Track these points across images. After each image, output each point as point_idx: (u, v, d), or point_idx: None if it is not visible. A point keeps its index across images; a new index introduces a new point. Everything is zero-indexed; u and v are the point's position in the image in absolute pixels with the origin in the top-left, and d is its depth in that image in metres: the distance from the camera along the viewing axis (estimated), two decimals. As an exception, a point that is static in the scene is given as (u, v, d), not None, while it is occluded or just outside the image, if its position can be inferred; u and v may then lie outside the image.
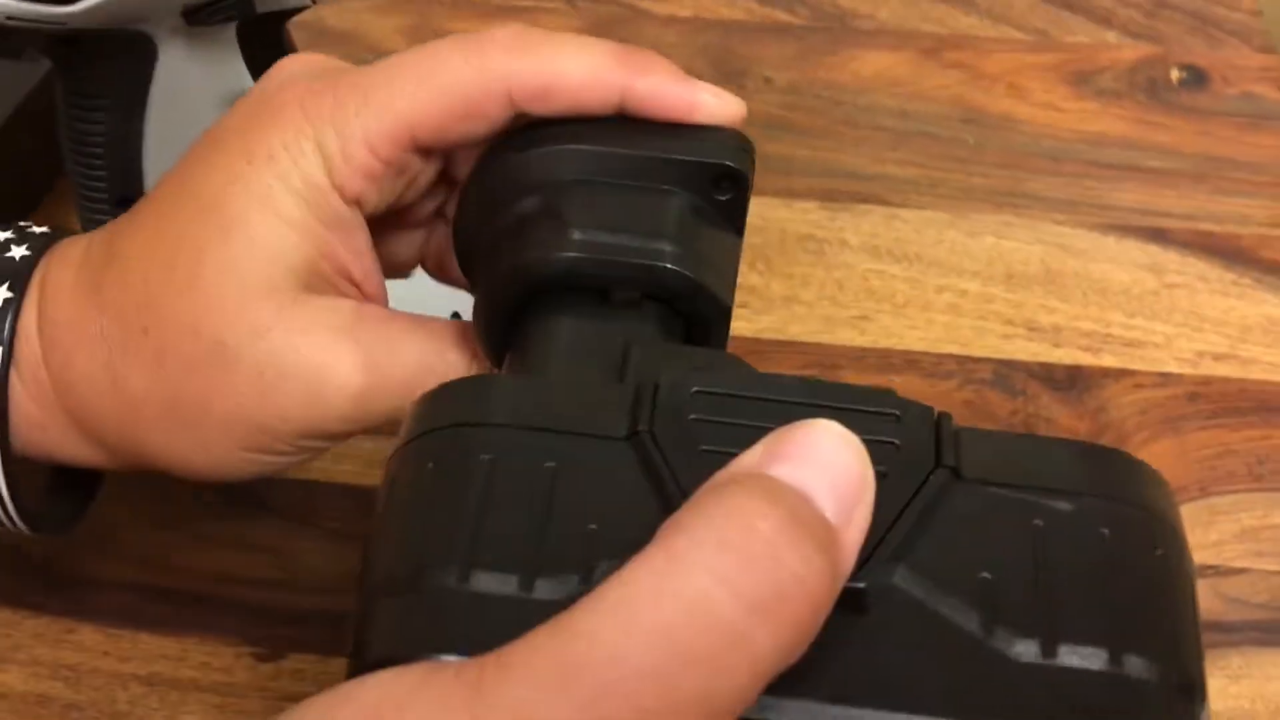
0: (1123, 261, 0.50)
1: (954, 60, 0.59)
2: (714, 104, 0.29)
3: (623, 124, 0.29)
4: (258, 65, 0.38)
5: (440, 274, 0.34)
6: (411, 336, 0.29)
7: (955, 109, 0.56)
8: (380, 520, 0.22)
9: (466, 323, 0.30)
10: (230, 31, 0.37)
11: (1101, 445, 0.23)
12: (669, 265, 0.27)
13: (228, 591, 0.40)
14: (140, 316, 0.28)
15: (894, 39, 0.60)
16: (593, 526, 0.20)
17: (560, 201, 0.28)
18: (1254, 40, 0.60)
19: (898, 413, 0.22)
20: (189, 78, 0.37)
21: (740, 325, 0.47)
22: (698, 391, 0.22)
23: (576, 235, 0.27)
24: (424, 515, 0.21)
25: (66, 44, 0.35)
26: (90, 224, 0.40)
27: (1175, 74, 0.58)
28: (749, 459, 0.19)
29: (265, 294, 0.28)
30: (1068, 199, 0.52)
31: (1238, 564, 0.41)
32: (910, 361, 0.47)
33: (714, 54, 0.59)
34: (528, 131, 0.29)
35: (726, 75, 0.58)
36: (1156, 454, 0.44)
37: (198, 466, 0.30)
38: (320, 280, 0.29)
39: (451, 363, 0.29)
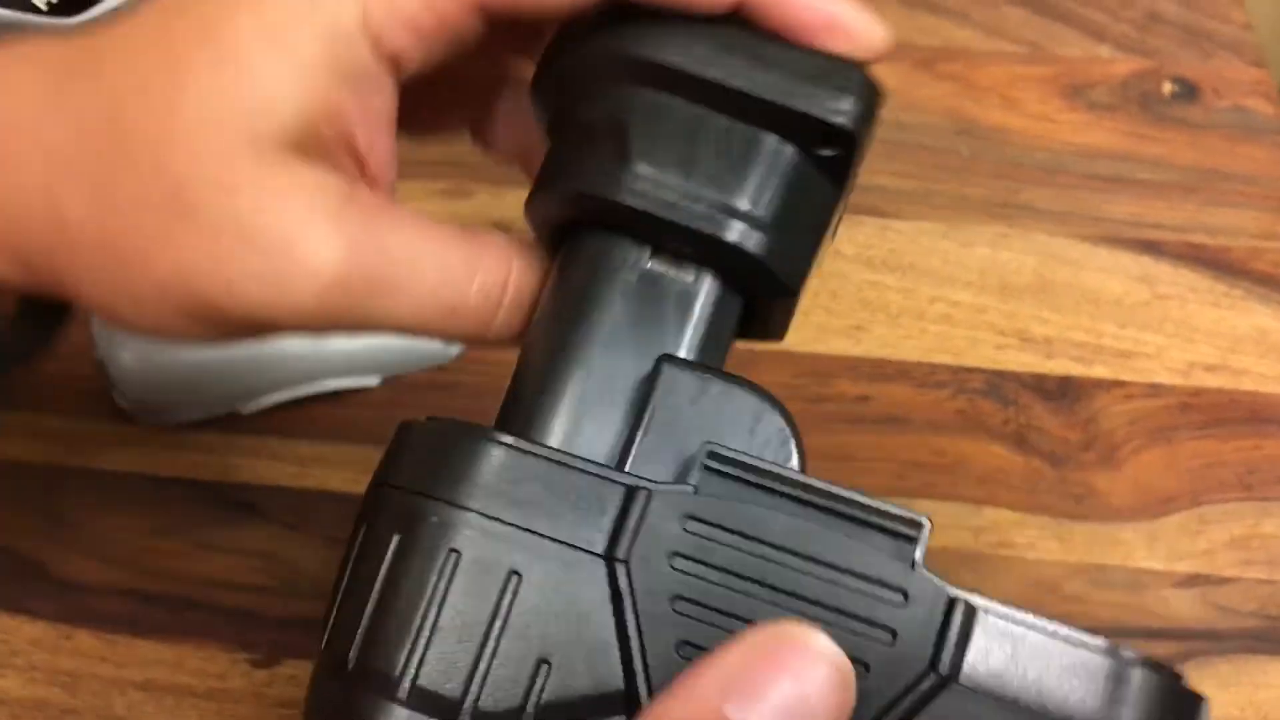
0: (1115, 272, 0.50)
1: (947, 72, 0.59)
2: (851, 28, 0.24)
3: (736, 36, 0.24)
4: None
5: (488, 148, 0.29)
6: (406, 233, 0.25)
7: (949, 120, 0.57)
8: (345, 579, 0.21)
9: (472, 231, 0.26)
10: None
11: (1148, 664, 0.20)
12: (732, 240, 0.24)
13: (224, 598, 0.40)
14: (99, 134, 0.24)
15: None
16: (544, 655, 0.20)
17: (633, 124, 0.24)
18: (1245, 54, 0.60)
19: (906, 590, 0.20)
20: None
21: (735, 335, 0.48)
22: (690, 518, 0.20)
23: (639, 176, 0.24)
24: (382, 601, 0.20)
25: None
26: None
27: (1168, 87, 0.58)
28: (706, 687, 0.18)
29: (245, 143, 0.23)
30: (1061, 210, 0.53)
31: (1228, 573, 0.41)
32: (903, 371, 0.47)
33: (710, 65, 0.59)
34: (624, 16, 0.24)
35: (722, 86, 0.58)
36: (1147, 463, 0.44)
37: (124, 316, 0.25)
38: (316, 144, 0.24)
39: (448, 268, 0.25)
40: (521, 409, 0.24)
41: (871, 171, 0.54)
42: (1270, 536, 0.42)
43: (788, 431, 0.23)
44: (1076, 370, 0.47)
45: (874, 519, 0.21)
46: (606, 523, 0.20)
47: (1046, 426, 0.45)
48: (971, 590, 0.21)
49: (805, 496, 0.21)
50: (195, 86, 0.24)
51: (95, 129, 0.24)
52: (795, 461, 0.22)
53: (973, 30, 0.61)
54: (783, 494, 0.21)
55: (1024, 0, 0.63)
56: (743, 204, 0.24)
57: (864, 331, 0.48)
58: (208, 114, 0.24)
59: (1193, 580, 0.41)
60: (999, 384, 0.47)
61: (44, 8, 0.33)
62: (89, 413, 0.44)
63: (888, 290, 0.50)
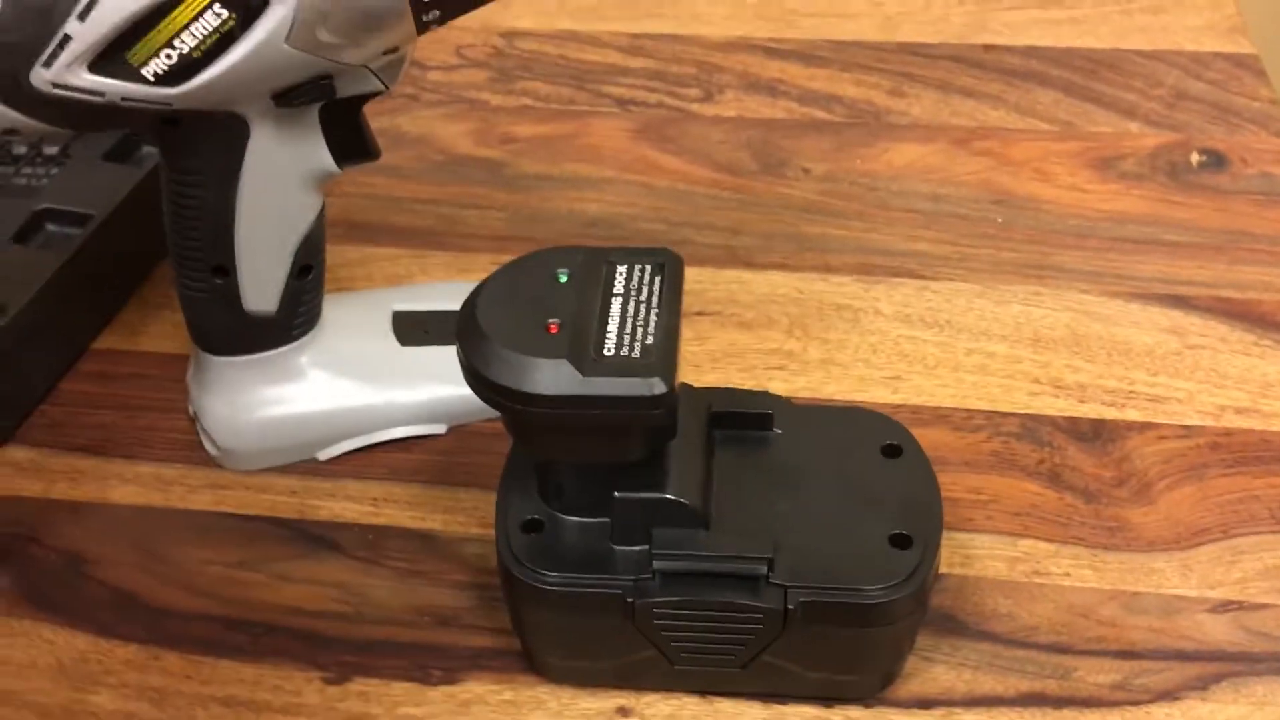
0: (1146, 326, 0.52)
1: (983, 149, 0.62)
2: None
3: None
4: (337, 144, 0.43)
5: None
6: None
7: (984, 191, 0.60)
8: None
9: None
10: (313, 114, 0.42)
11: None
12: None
13: (300, 623, 0.43)
14: None
15: (926, 132, 0.63)
16: None
17: None
18: (1271, 126, 0.63)
19: None
20: (277, 155, 0.42)
21: (777, 386, 0.50)
22: None
23: None
24: None
25: (171, 124, 0.40)
26: (188, 295, 0.45)
27: (1195, 157, 0.61)
28: None
29: None
30: (1093, 270, 0.55)
31: (1261, 599, 0.42)
32: (940, 416, 0.49)
33: (757, 147, 0.63)
34: None
35: (768, 166, 0.62)
36: (1179, 499, 0.46)
37: None
38: None
39: None
40: None
41: (910, 239, 0.57)
42: (1303, 566, 0.44)
43: None
44: (1109, 414, 0.49)
45: None
46: None
47: (1080, 465, 0.47)
48: None
49: None
50: None
51: None
52: None
53: (1006, 111, 0.65)
54: None
55: (1056, 84, 0.66)
56: None
57: (902, 381, 0.51)
58: None
59: (1226, 606, 0.42)
60: (1034, 427, 0.49)
61: (151, 79, 0.38)
62: (182, 460, 0.48)
63: (925, 344, 0.52)
